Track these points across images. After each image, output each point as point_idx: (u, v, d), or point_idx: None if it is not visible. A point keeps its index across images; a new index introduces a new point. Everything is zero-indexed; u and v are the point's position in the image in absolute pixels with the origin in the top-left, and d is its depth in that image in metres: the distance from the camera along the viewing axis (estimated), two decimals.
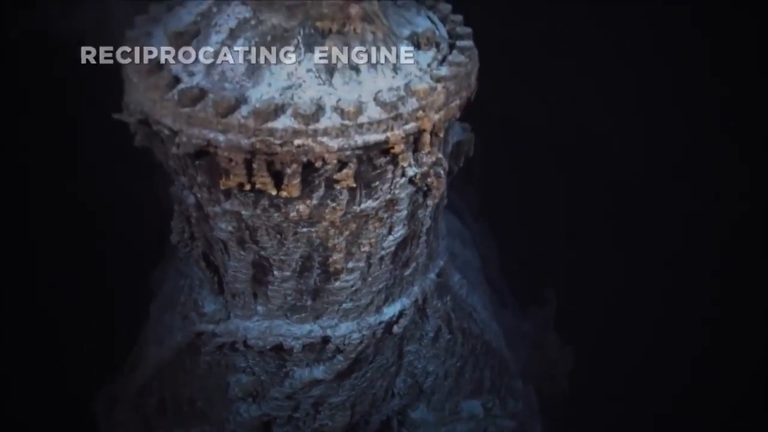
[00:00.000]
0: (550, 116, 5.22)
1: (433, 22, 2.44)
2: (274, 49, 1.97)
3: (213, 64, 1.99)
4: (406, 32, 2.26)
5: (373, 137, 1.94)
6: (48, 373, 3.70)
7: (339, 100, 1.93)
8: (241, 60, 1.97)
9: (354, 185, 2.05)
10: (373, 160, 2.06)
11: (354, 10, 2.03)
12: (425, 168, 2.17)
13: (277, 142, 1.87)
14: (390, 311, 2.67)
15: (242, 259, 2.37)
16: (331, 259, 2.32)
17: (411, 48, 2.16)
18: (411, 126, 2.00)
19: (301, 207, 2.09)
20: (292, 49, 1.97)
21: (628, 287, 4.99)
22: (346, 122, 1.89)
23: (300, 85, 1.95)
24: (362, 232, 2.29)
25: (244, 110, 1.88)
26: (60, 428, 3.61)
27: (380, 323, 2.65)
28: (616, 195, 5.29)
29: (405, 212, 2.33)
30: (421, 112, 2.00)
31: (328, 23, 2.01)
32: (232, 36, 2.00)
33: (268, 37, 1.99)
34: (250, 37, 1.98)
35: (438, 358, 3.15)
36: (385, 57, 2.06)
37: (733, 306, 4.85)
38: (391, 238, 2.38)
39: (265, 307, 2.54)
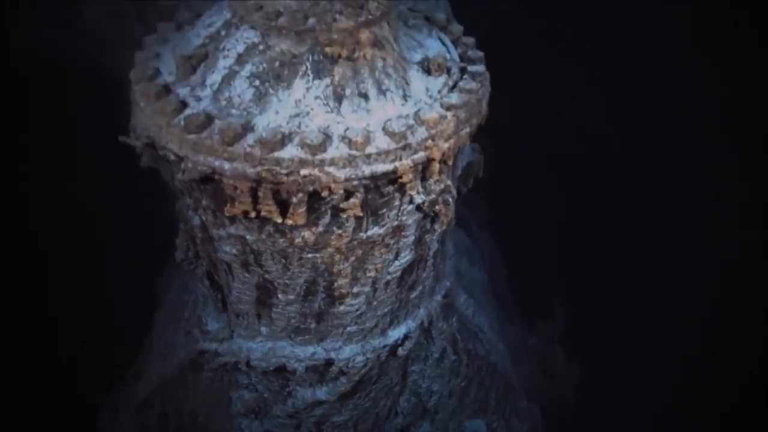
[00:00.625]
0: (558, 126, 5.18)
1: (444, 44, 2.40)
2: (282, 75, 1.94)
3: (220, 90, 1.96)
4: (417, 57, 2.22)
5: (381, 167, 1.91)
6: (51, 381, 3.71)
7: (347, 129, 1.90)
8: (248, 86, 1.94)
9: (361, 214, 2.02)
10: (380, 188, 2.03)
11: (364, 35, 1.99)
12: (433, 196, 2.14)
13: (283, 171, 1.85)
14: (395, 334, 2.64)
15: (246, 282, 2.35)
16: (336, 284, 2.29)
17: (421, 74, 2.13)
18: (420, 155, 1.97)
19: (307, 234, 2.07)
20: (300, 75, 1.93)
21: (636, 298, 4.95)
22: (354, 152, 1.86)
23: (308, 113, 1.92)
24: (368, 257, 2.26)
25: (250, 138, 1.85)
26: None
27: (385, 346, 2.62)
28: (623, 204, 5.25)
29: (412, 238, 2.30)
30: (430, 142, 1.97)
31: (337, 49, 1.97)
32: (240, 61, 1.97)
33: (276, 63, 1.96)
34: (258, 62, 1.96)
35: (443, 377, 3.12)
36: (395, 84, 2.03)
37: (741, 315, 4.81)
38: (397, 263, 2.35)
39: (268, 328, 2.52)
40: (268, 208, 1.94)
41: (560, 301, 4.65)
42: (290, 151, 1.84)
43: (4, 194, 3.78)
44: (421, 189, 2.11)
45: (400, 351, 2.69)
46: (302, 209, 1.94)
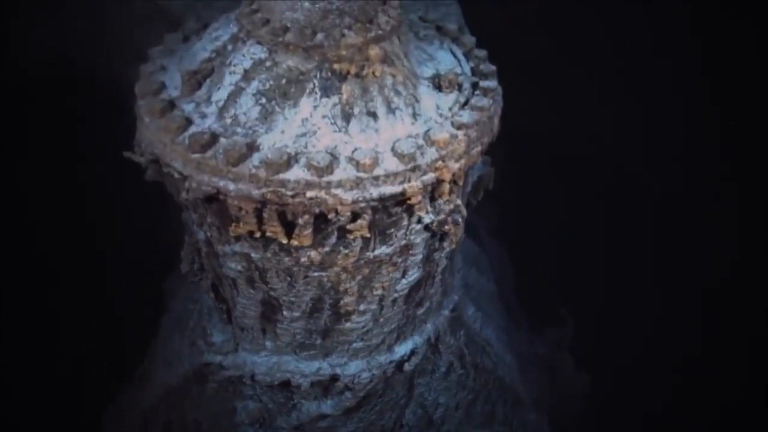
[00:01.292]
0: (568, 131, 5.12)
1: (456, 56, 2.34)
2: (288, 93, 1.89)
3: (226, 107, 1.91)
4: (428, 71, 2.16)
5: (389, 189, 1.86)
6: (57, 385, 3.71)
7: (354, 150, 1.85)
8: (254, 104, 1.89)
9: (368, 235, 1.97)
10: (388, 209, 1.98)
11: (374, 51, 1.94)
12: (443, 216, 2.08)
13: (289, 193, 1.80)
14: (401, 350, 2.60)
15: (251, 297, 2.31)
16: (342, 302, 2.25)
17: (432, 91, 2.07)
18: (429, 177, 1.91)
19: (313, 254, 2.02)
20: (307, 93, 1.89)
21: (643, 303, 4.91)
22: (361, 174, 1.81)
23: (314, 132, 1.87)
24: (375, 276, 2.22)
25: (255, 159, 1.81)
26: None
27: (391, 362, 2.58)
28: (632, 210, 5.19)
29: (420, 256, 2.25)
30: (440, 163, 1.91)
31: (346, 66, 1.92)
32: (246, 78, 1.92)
33: (283, 80, 1.90)
34: (264, 79, 1.91)
35: (449, 390, 3.08)
36: (404, 102, 1.97)
37: (746, 315, 4.76)
38: (405, 281, 2.31)
39: (273, 343, 2.49)
40: (273, 229, 1.90)
41: (568, 308, 4.61)
42: (296, 173, 1.80)
43: (9, 196, 3.77)
44: (430, 209, 2.05)
45: (407, 366, 2.66)
46: (308, 231, 1.89)
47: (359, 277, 2.19)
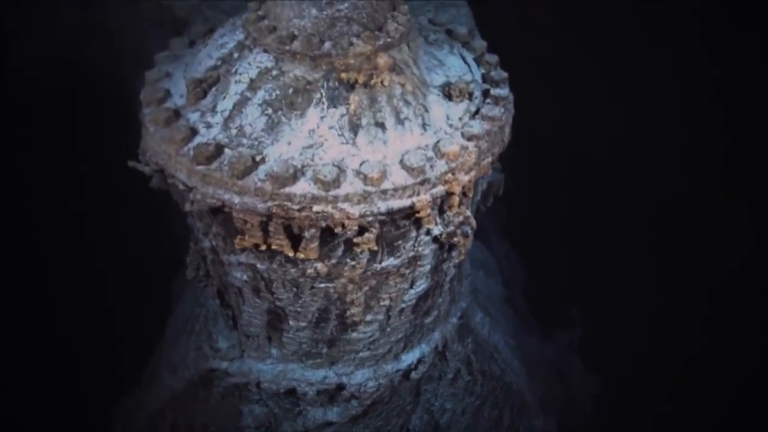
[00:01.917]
0: (577, 132, 5.05)
1: (466, 62, 2.28)
2: (295, 103, 1.85)
3: (231, 117, 1.88)
4: (438, 79, 2.10)
5: (398, 203, 1.82)
6: (63, 387, 3.72)
7: (362, 163, 1.81)
8: (260, 114, 1.85)
9: (375, 248, 1.94)
10: (396, 221, 1.94)
11: (382, 60, 1.89)
12: (452, 228, 2.04)
13: (295, 207, 1.76)
14: (408, 358, 2.58)
15: (257, 306, 2.29)
16: (348, 312, 2.22)
17: (441, 99, 2.02)
18: (438, 190, 1.87)
19: (319, 266, 1.99)
20: (314, 104, 1.84)
21: (651, 305, 4.85)
22: (369, 188, 1.77)
23: (321, 144, 1.83)
24: (382, 287, 2.18)
25: (261, 172, 1.77)
26: None
27: (398, 371, 2.56)
28: (645, 212, 5.13)
29: (428, 267, 2.21)
30: (450, 175, 1.87)
31: (353, 75, 1.87)
32: (252, 87, 1.88)
33: (290, 90, 1.86)
34: (271, 89, 1.87)
35: (456, 396, 3.05)
36: (414, 112, 1.92)
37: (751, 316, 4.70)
38: (412, 291, 2.27)
39: (279, 351, 2.47)
40: (279, 242, 1.87)
41: (578, 310, 4.56)
42: (302, 187, 1.76)
43: (14, 199, 3.76)
44: (438, 221, 2.01)
45: (414, 375, 2.63)
46: (314, 244, 1.86)
47: (366, 288, 2.16)
